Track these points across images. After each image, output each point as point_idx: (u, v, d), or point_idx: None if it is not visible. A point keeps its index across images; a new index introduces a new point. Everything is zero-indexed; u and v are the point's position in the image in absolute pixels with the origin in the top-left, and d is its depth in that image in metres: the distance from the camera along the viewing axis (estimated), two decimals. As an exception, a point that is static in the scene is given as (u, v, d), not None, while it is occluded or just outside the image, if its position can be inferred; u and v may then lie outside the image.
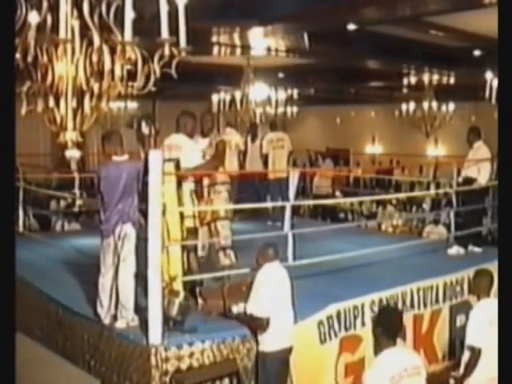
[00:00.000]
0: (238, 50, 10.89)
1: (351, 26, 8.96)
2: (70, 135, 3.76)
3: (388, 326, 4.05)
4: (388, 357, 3.97)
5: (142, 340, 4.94)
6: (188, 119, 6.10)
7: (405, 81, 14.97)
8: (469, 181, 7.92)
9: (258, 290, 5.05)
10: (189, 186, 5.87)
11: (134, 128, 5.57)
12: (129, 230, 5.23)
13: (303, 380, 5.31)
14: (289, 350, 5.14)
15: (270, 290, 5.04)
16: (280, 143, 10.27)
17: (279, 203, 8.53)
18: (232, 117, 12.07)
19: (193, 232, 5.96)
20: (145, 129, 5.45)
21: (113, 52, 3.66)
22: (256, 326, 5.11)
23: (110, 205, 5.25)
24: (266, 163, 10.25)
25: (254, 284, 5.11)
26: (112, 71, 3.67)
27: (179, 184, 5.54)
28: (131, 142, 5.80)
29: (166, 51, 3.63)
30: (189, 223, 5.82)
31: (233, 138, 8.53)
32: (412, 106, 14.35)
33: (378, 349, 4.07)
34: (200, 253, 6.29)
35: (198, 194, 6.13)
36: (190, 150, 5.96)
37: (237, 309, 5.33)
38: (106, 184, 5.29)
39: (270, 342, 5.05)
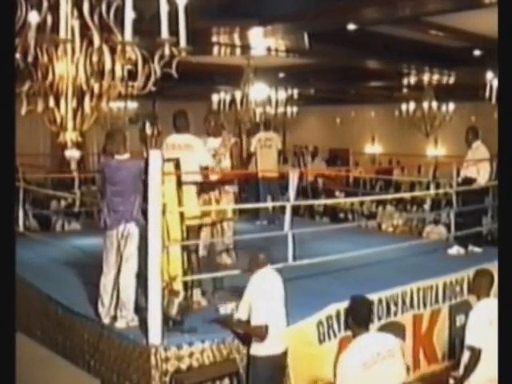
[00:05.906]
0: (238, 50, 10.89)
1: (351, 26, 8.97)
2: (70, 135, 3.75)
3: (358, 314, 4.22)
4: (358, 344, 4.08)
5: (142, 340, 4.94)
6: (185, 119, 6.18)
7: (405, 81, 14.99)
8: (468, 181, 7.93)
9: (255, 301, 4.88)
10: (193, 186, 5.88)
11: (138, 127, 5.57)
12: (132, 229, 5.23)
13: (302, 380, 5.30)
14: (281, 356, 5.01)
15: (267, 301, 4.89)
16: (268, 143, 10.28)
17: (278, 203, 8.52)
18: (232, 117, 12.07)
19: (196, 232, 5.95)
20: (148, 129, 5.45)
21: (113, 52, 3.65)
22: (255, 334, 4.93)
23: (113, 204, 5.25)
24: (249, 161, 10.32)
25: (246, 291, 4.96)
26: (112, 71, 3.67)
27: (179, 184, 5.54)
28: (132, 140, 5.80)
29: (166, 51, 3.63)
30: (193, 222, 5.82)
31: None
32: (412, 105, 14.33)
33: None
34: (201, 252, 6.29)
35: (206, 193, 6.17)
36: (203, 150, 6.02)
37: (224, 310, 5.29)
38: (108, 183, 5.29)
39: (261, 347, 4.92)
